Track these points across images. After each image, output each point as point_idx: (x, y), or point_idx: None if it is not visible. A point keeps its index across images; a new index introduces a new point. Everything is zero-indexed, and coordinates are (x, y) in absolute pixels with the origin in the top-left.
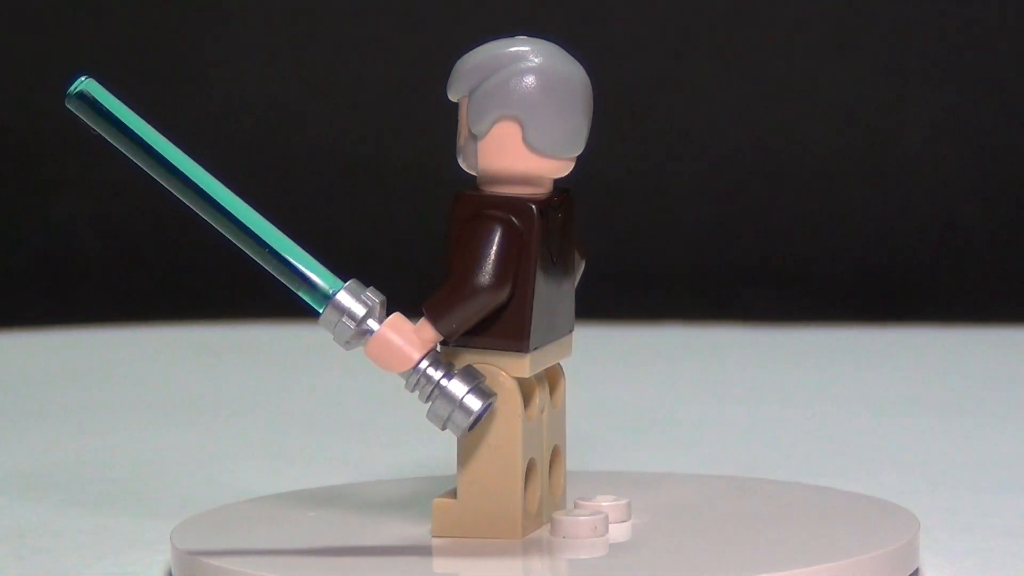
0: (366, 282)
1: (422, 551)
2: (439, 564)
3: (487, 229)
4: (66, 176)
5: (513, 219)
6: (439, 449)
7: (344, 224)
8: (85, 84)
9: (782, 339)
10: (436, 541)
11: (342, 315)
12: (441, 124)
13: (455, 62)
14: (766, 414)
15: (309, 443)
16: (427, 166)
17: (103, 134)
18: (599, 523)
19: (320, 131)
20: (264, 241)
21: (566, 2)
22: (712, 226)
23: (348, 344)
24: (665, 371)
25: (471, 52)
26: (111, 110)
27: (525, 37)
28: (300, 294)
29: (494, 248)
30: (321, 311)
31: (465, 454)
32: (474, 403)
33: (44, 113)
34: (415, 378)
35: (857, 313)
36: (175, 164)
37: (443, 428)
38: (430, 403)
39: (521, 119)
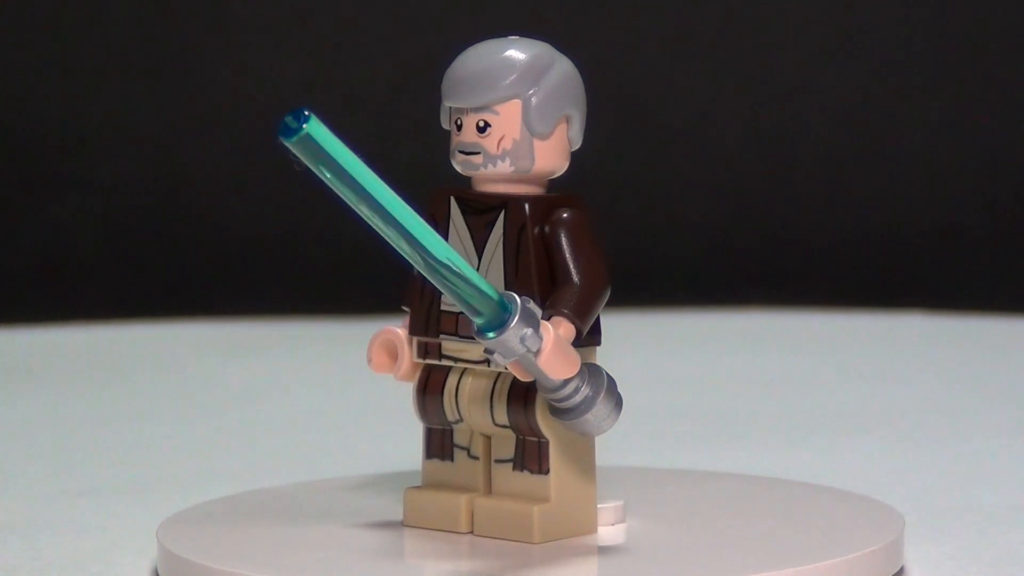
0: (366, 282)
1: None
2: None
3: (588, 228)
4: (66, 176)
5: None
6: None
7: (343, 223)
8: (310, 126)
9: (775, 330)
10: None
11: (527, 328)
12: (439, 125)
13: (461, 68)
14: (757, 408)
15: (304, 440)
16: (426, 167)
17: (318, 173)
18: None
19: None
20: (475, 283)
21: (567, 2)
22: (712, 225)
23: (519, 356)
24: (655, 363)
25: (491, 55)
26: (332, 153)
27: (518, 37)
28: (477, 319)
29: (599, 245)
30: (498, 329)
31: (554, 456)
32: (621, 403)
33: (44, 113)
34: (577, 381)
35: (853, 307)
36: (390, 209)
37: (585, 432)
38: (580, 408)
39: (571, 116)
